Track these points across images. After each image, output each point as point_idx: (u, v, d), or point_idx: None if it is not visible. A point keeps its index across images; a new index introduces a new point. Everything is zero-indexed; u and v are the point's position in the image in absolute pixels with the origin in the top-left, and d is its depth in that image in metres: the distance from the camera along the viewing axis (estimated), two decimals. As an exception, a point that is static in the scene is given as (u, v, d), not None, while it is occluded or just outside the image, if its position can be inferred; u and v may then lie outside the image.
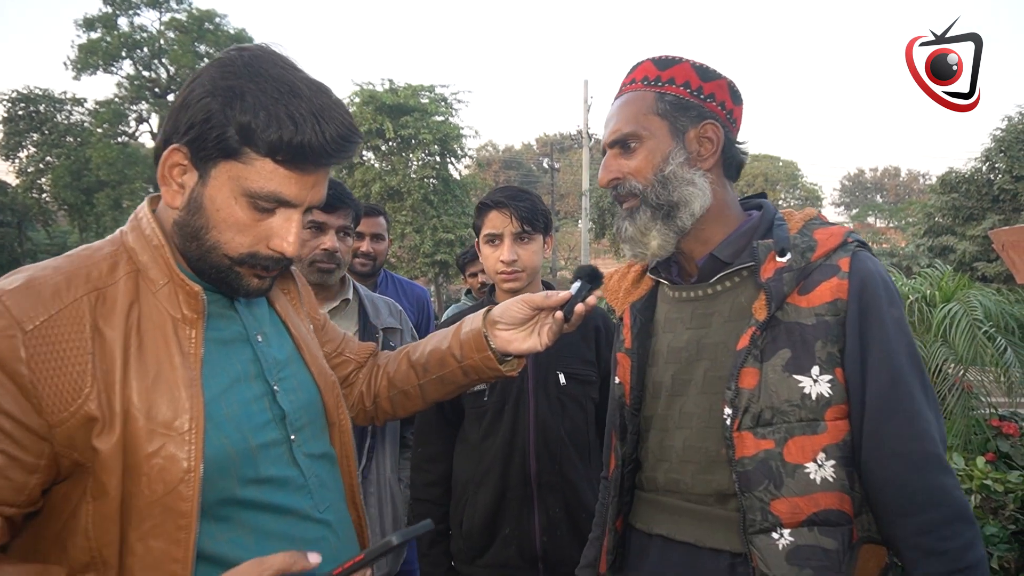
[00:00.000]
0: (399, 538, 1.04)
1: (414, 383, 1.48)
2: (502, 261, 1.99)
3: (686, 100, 1.32)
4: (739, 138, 1.39)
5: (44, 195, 27.97)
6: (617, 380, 1.45)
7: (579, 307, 1.36)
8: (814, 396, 1.18)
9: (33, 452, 0.98)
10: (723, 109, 1.34)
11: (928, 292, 4.39)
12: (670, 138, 1.31)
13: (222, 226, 1.08)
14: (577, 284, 1.39)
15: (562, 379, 2.00)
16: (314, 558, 1.02)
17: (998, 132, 22.48)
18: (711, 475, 1.27)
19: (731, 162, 1.37)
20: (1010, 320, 4.11)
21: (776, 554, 1.17)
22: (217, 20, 27.10)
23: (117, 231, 1.16)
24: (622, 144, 1.34)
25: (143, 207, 1.17)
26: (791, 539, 1.17)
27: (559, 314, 1.35)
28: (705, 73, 1.34)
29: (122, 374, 1.02)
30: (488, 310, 1.44)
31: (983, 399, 4.17)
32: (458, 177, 25.06)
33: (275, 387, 1.18)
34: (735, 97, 1.37)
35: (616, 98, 1.40)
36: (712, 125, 1.31)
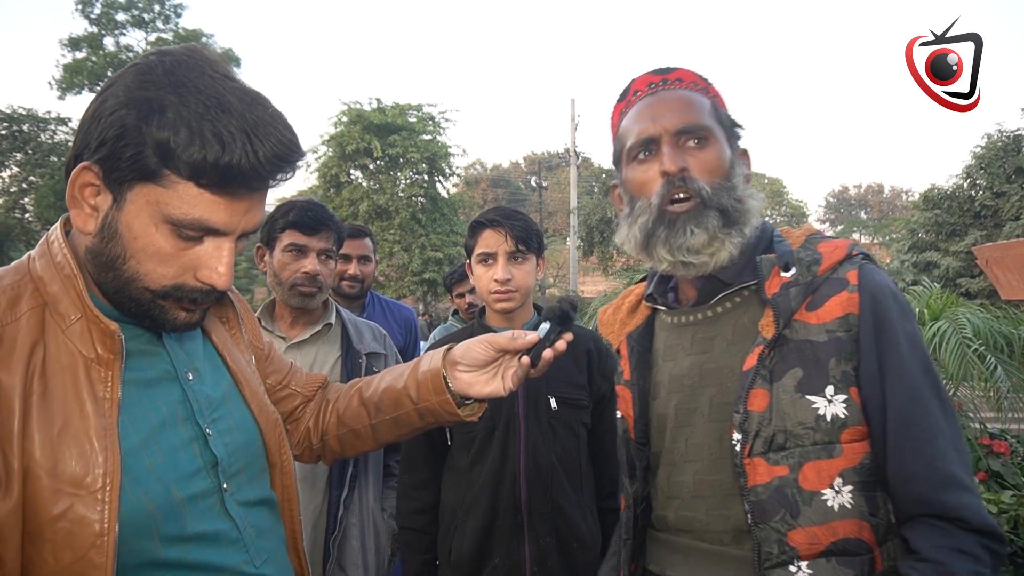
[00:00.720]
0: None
1: (365, 423, 1.34)
2: (496, 280, 1.96)
3: (728, 115, 1.31)
4: None
5: (27, 215, 27.73)
6: (620, 414, 1.39)
7: (547, 353, 1.26)
8: (829, 417, 1.12)
9: None
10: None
11: (917, 310, 4.40)
12: (728, 148, 1.27)
13: (141, 255, 0.95)
14: (546, 326, 1.28)
15: (553, 404, 1.96)
16: None
17: (978, 149, 22.83)
18: (727, 510, 1.19)
19: None
20: (998, 337, 4.12)
21: None
22: (204, 40, 27.07)
23: (24, 256, 1.03)
24: (693, 135, 1.23)
25: (55, 229, 1.03)
26: (809, 572, 1.10)
27: (525, 359, 1.26)
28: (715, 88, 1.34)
29: (21, 425, 0.89)
30: (449, 348, 1.33)
31: (972, 415, 4.17)
32: (446, 195, 25.10)
33: (207, 430, 1.06)
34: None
35: (656, 91, 1.30)
36: (745, 152, 1.31)
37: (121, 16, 27.13)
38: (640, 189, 1.26)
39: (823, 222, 69.40)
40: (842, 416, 1.12)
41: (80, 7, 26.66)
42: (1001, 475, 3.79)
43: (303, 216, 2.14)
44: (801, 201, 55.13)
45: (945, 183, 24.00)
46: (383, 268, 23.05)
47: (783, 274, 1.19)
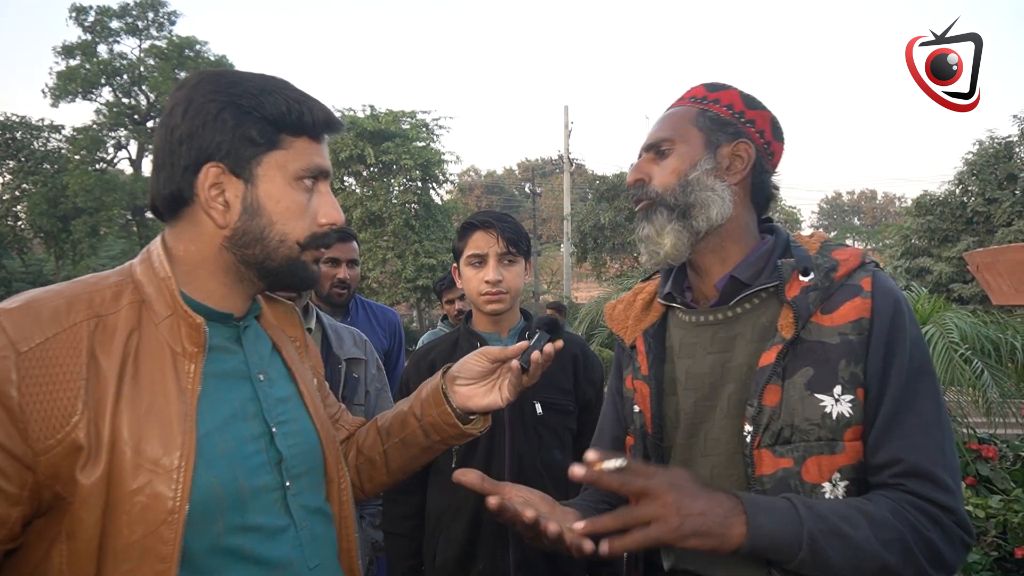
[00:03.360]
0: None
1: (379, 449, 1.40)
2: (487, 281, 1.97)
3: (725, 118, 1.35)
4: (774, 176, 1.40)
5: (20, 222, 27.61)
6: (637, 408, 1.42)
7: (535, 355, 1.31)
8: (834, 416, 1.18)
9: (17, 482, 0.94)
10: (761, 138, 1.36)
11: (905, 315, 4.40)
12: (703, 148, 1.33)
13: (286, 215, 1.12)
14: (536, 335, 1.35)
15: (539, 409, 1.96)
16: None
17: (970, 156, 22.98)
18: None
19: (760, 189, 1.38)
20: (985, 342, 4.14)
21: None
22: (198, 47, 27.10)
23: (127, 263, 1.16)
24: (656, 148, 1.36)
25: (155, 241, 1.16)
26: None
27: (515, 363, 1.31)
28: (751, 102, 1.38)
29: (114, 402, 0.99)
30: (447, 368, 1.39)
31: (960, 420, 4.18)
32: (440, 202, 25.11)
33: (273, 428, 1.14)
34: (776, 132, 1.39)
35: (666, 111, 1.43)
36: (745, 144, 1.34)
37: (115, 24, 27.15)
38: None
39: (817, 228, 69.63)
40: (847, 415, 1.18)
41: (74, 15, 26.67)
42: (990, 480, 3.80)
43: None
44: (794, 207, 55.28)
45: (937, 189, 24.17)
46: (376, 275, 23.04)
47: (802, 278, 1.26)
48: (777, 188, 1.43)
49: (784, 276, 1.27)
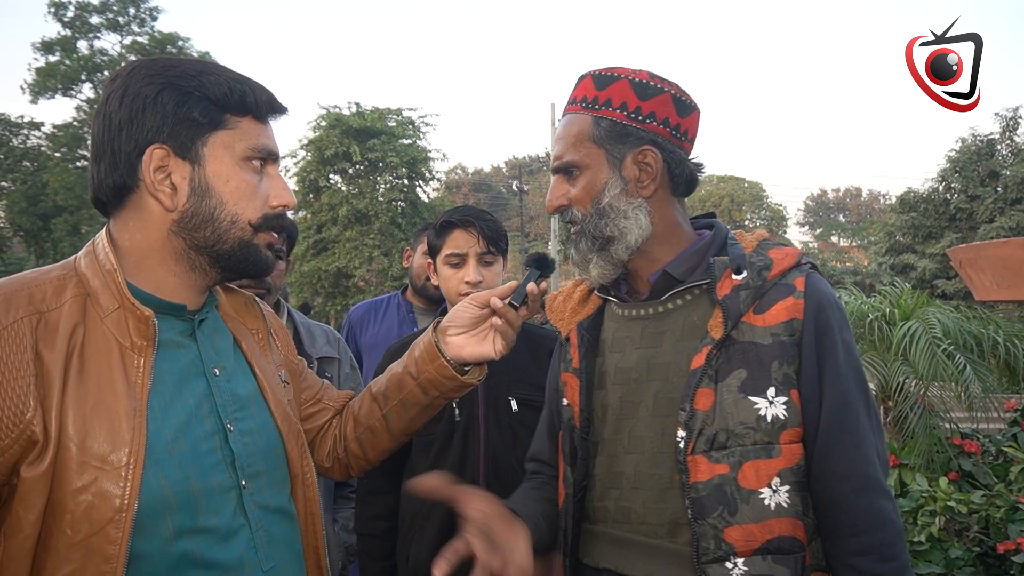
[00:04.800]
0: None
1: (378, 415, 1.38)
2: (467, 282, 1.91)
3: (623, 124, 1.28)
4: (694, 151, 1.35)
5: (-1, 221, 27.32)
6: (566, 402, 1.41)
7: (530, 286, 1.33)
8: (769, 418, 1.18)
9: None
10: (667, 127, 1.29)
11: (887, 310, 4.41)
12: (607, 167, 1.29)
13: (236, 195, 1.10)
14: (528, 272, 1.38)
15: (514, 405, 1.92)
16: None
17: (953, 153, 23.20)
18: (664, 503, 1.23)
19: (680, 180, 1.32)
20: (968, 337, 4.15)
21: None
22: (180, 44, 26.85)
23: (71, 257, 1.14)
24: (565, 171, 1.33)
25: (100, 233, 1.14)
26: (744, 568, 1.15)
27: (495, 301, 1.32)
28: (644, 90, 1.28)
29: (59, 398, 0.96)
30: (438, 321, 1.38)
31: (943, 415, 4.19)
32: (427, 200, 25.04)
33: (228, 426, 1.11)
34: (682, 108, 1.31)
35: (562, 117, 1.38)
36: (651, 152, 1.28)
37: (95, 19, 26.86)
38: None
39: (802, 225, 70.21)
40: (782, 417, 1.18)
41: (53, 10, 26.30)
42: (973, 475, 3.80)
43: None
44: (781, 205, 55.63)
45: (921, 187, 24.43)
46: (362, 273, 22.95)
47: (735, 277, 1.24)
48: (699, 165, 1.37)
49: (716, 274, 1.25)
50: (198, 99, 1.07)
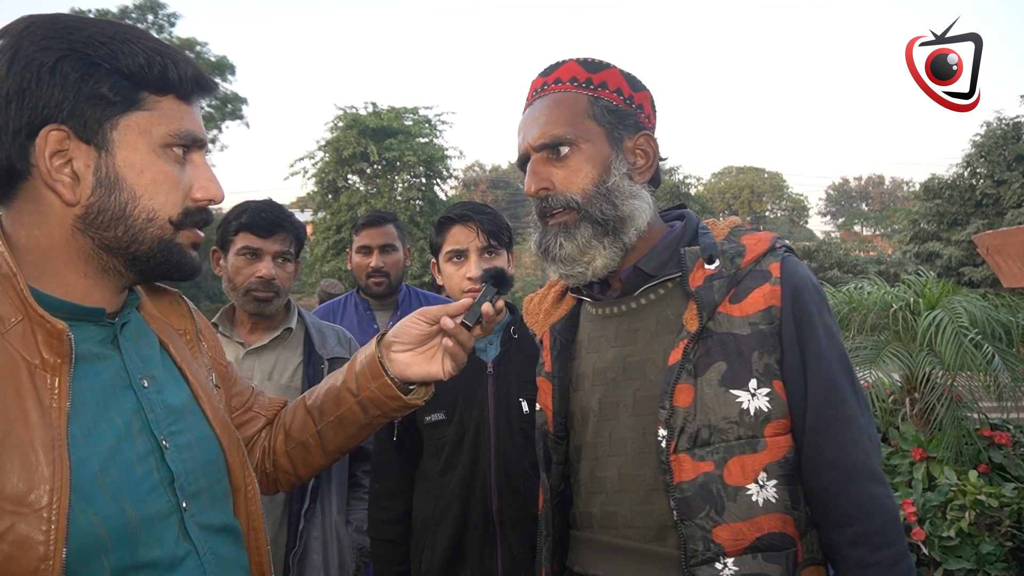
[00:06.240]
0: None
1: (312, 431, 1.25)
2: (469, 278, 1.88)
3: (621, 108, 1.24)
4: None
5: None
6: (538, 407, 1.37)
7: (486, 307, 1.21)
8: (752, 411, 1.14)
9: None
10: (649, 122, 1.28)
11: (912, 300, 4.31)
12: (609, 146, 1.23)
13: (152, 188, 0.94)
14: (483, 288, 1.26)
15: (525, 407, 1.88)
16: None
17: (978, 138, 22.73)
18: (650, 505, 1.19)
19: (657, 173, 1.31)
20: (996, 325, 4.04)
21: None
22: (198, 48, 27.11)
23: None
24: (553, 148, 1.23)
25: None
26: (735, 568, 1.11)
27: (446, 320, 1.19)
28: (634, 82, 1.28)
29: None
30: (382, 335, 1.26)
31: (971, 406, 4.08)
32: (444, 198, 25.09)
33: (164, 443, 0.97)
34: (654, 110, 1.32)
35: (534, 99, 1.29)
36: (647, 137, 1.26)
37: (115, 27, 27.20)
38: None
39: (824, 215, 69.34)
40: (765, 410, 1.14)
41: (73, 19, 26.68)
42: (1004, 467, 3.70)
43: (256, 218, 2.07)
44: (801, 194, 55.05)
45: (945, 172, 23.94)
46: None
47: (707, 266, 1.19)
48: (664, 158, 1.33)
49: (687, 265, 1.21)
50: (107, 72, 0.90)
